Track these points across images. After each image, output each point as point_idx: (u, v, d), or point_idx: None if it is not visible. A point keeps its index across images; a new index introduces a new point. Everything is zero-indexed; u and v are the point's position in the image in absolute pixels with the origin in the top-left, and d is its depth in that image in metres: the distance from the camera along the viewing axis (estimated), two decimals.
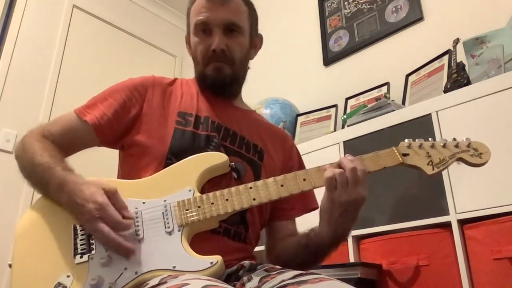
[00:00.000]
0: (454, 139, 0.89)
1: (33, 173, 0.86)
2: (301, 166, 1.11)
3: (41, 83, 2.51)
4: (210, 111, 1.01)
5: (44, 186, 0.85)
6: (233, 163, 0.92)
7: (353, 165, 0.81)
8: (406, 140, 0.89)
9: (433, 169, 0.85)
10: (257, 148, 1.02)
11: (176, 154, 0.91)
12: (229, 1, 1.00)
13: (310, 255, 0.92)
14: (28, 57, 2.49)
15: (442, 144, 0.87)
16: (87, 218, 0.77)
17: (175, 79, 1.07)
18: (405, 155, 0.87)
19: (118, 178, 1.00)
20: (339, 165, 0.83)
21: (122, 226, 0.77)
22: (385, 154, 0.87)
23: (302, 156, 1.14)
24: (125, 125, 0.96)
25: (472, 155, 0.86)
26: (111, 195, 0.79)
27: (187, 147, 0.92)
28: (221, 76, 1.00)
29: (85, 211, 0.77)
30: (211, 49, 0.97)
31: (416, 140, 0.89)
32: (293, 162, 1.09)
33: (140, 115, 0.96)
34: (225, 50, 0.98)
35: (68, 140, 0.94)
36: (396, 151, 0.87)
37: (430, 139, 0.89)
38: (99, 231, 0.76)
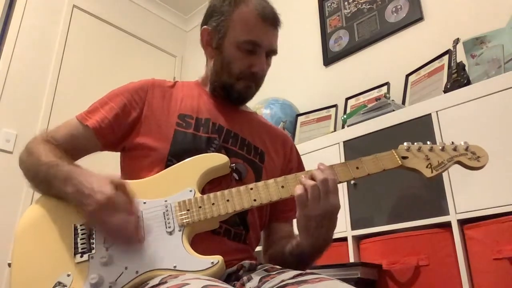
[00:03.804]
0: (452, 142, 0.90)
1: (38, 173, 0.86)
2: (300, 167, 1.11)
3: (41, 83, 2.51)
4: (211, 113, 1.01)
5: (48, 184, 0.85)
6: (233, 164, 0.92)
7: (323, 176, 0.80)
8: (405, 143, 0.89)
9: (432, 172, 0.86)
10: (258, 150, 1.02)
11: (176, 155, 0.91)
12: (279, 26, 1.02)
13: (296, 261, 0.92)
14: (28, 57, 2.49)
15: (440, 148, 0.88)
16: (94, 208, 0.76)
17: (176, 82, 1.08)
18: (404, 158, 0.87)
19: None
20: (311, 177, 0.82)
21: (130, 217, 0.77)
22: (385, 157, 0.87)
23: (302, 156, 1.14)
24: (126, 127, 0.96)
25: (470, 158, 0.87)
26: (121, 187, 0.80)
27: (187, 149, 0.92)
28: (248, 94, 1.03)
29: (92, 201, 0.76)
30: (253, 71, 0.98)
31: (415, 143, 0.89)
32: (293, 163, 1.10)
33: (140, 118, 0.97)
34: (263, 73, 1.01)
35: (71, 146, 0.94)
36: (395, 153, 0.88)
37: (428, 142, 0.90)
38: (106, 221, 0.76)
